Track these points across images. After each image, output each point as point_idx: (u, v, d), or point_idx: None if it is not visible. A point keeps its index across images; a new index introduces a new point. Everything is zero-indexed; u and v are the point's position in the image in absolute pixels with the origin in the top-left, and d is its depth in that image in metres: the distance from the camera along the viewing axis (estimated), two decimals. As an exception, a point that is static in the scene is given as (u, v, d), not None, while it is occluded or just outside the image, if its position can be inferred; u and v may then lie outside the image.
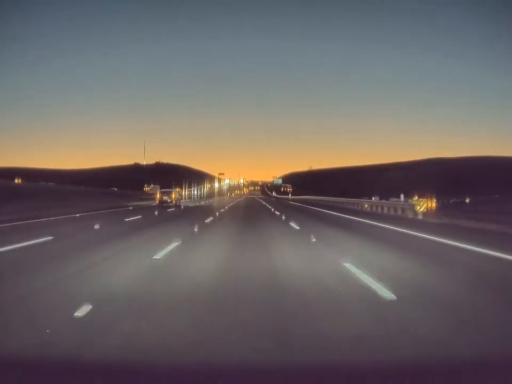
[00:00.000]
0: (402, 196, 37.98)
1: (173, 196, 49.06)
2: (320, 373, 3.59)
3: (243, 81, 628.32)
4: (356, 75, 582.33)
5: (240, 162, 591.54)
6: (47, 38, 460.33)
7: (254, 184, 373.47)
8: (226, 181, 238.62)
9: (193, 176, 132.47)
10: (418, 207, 24.98)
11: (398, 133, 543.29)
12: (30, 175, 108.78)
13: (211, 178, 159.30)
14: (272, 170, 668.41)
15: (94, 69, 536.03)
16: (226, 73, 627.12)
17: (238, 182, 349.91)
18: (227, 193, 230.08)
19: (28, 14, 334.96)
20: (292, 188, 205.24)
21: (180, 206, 46.28)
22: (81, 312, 4.99)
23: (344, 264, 8.17)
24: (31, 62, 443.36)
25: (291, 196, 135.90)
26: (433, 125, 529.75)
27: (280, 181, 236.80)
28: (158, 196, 50.47)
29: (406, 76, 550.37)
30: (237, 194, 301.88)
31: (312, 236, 12.86)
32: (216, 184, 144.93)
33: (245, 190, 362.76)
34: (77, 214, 23.86)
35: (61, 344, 4.14)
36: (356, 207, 38.13)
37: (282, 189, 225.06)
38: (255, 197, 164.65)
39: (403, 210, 27.35)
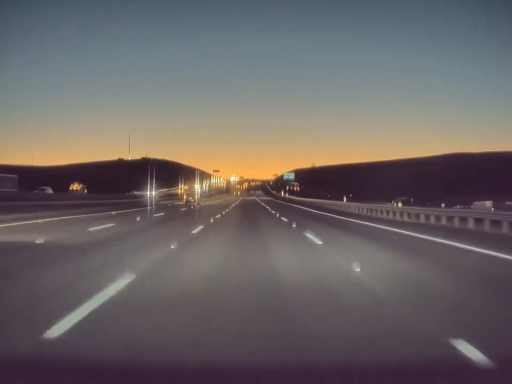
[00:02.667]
0: None
1: (196, 197, 62.99)
2: (319, 371, 3.70)
3: (240, 78, 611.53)
4: (363, 72, 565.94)
5: (237, 160, 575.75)
6: (32, 34, 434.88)
7: (253, 181, 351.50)
8: (214, 180, 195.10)
9: (184, 173, 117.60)
10: None
11: (414, 128, 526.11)
12: None
13: (205, 176, 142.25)
14: (271, 168, 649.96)
15: (75, 61, 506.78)
16: (222, 68, 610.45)
17: (226, 179, 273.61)
18: (233, 192, 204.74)
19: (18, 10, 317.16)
20: (300, 186, 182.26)
21: (199, 204, 57.48)
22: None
23: None
24: (13, 59, 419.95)
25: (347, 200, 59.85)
26: (452, 119, 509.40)
27: (292, 176, 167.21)
28: (184, 197, 65.68)
29: (415, 72, 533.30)
30: (238, 190, 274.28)
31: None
32: (197, 186, 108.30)
33: (245, 186, 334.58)
34: None
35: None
36: None
37: (288, 187, 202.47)
38: (256, 199, 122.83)
39: None
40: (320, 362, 3.81)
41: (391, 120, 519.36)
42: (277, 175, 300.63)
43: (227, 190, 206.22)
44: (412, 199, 62.54)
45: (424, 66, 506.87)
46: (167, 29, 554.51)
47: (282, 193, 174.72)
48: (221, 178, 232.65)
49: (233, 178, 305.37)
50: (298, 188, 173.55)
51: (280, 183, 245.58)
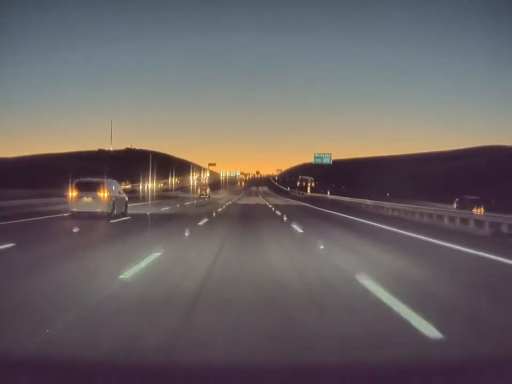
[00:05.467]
0: None
1: (207, 191, 78.51)
2: (320, 371, 3.58)
3: (239, 72, 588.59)
4: (389, 64, 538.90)
5: (237, 154, 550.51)
6: (5, 25, 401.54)
7: (258, 174, 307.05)
8: (193, 176, 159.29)
9: (174, 166, 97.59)
10: None
11: (438, 120, 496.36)
12: None
13: (199, 170, 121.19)
14: (274, 163, 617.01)
15: (56, 50, 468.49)
16: (217, 62, 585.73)
17: (211, 173, 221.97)
18: (224, 189, 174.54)
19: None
20: (314, 181, 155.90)
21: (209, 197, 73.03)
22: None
23: None
24: None
25: None
26: (482, 110, 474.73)
27: (328, 159, 58.81)
28: (198, 191, 79.27)
29: (447, 62, 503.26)
30: (242, 181, 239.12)
31: None
32: (149, 185, 78.31)
33: (248, 177, 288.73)
34: None
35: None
36: None
37: (298, 182, 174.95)
38: (267, 204, 52.71)
39: None
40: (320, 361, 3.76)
41: (406, 114, 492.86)
42: (280, 170, 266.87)
43: (214, 187, 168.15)
44: (493, 201, 38.49)
45: (459, 55, 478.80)
46: (155, 21, 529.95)
47: (309, 190, 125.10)
48: (206, 174, 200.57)
49: (223, 173, 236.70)
50: (312, 184, 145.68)
51: (288, 176, 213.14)
